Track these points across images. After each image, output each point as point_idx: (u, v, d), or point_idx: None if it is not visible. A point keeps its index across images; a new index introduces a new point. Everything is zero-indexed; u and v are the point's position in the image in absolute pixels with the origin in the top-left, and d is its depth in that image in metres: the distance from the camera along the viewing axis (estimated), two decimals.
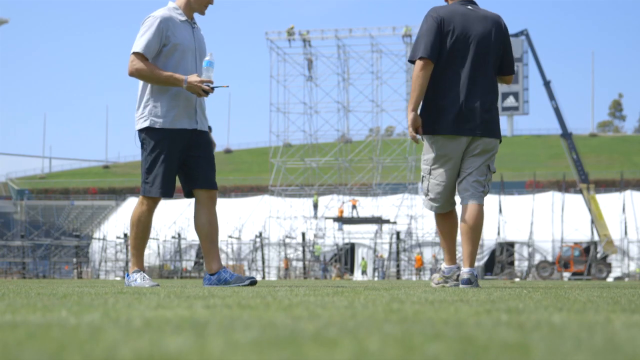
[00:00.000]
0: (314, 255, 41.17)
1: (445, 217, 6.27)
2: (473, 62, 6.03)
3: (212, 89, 6.01)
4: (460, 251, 6.21)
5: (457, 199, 6.24)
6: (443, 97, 6.02)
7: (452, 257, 6.18)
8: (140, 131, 6.05)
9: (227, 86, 6.55)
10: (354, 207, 43.76)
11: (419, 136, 6.15)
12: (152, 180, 6.02)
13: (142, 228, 6.08)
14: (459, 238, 6.18)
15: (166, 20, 6.06)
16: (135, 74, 5.94)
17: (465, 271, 5.98)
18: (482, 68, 6.07)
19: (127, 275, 6.15)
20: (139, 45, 5.96)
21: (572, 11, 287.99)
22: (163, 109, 5.99)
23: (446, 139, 6.05)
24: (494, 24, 6.12)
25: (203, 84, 5.93)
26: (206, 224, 6.13)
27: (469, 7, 6.14)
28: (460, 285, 5.97)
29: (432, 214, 6.46)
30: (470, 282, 5.94)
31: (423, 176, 6.28)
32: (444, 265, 6.23)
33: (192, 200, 6.26)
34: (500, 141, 6.22)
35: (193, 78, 5.93)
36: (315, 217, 44.48)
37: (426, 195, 6.27)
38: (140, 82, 6.06)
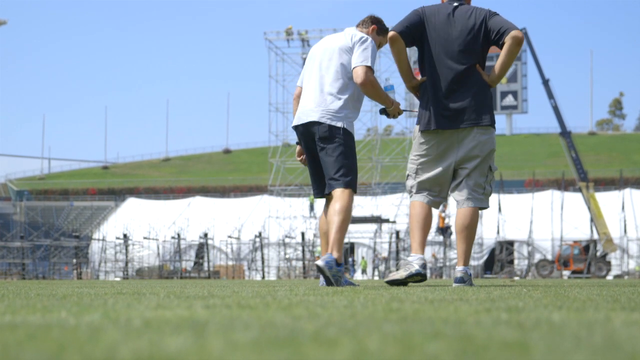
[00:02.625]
0: (317, 255, 41.26)
1: (429, 208, 6.30)
2: (452, 59, 6.16)
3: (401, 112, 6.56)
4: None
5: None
6: (427, 94, 6.24)
7: (422, 247, 6.16)
8: (336, 128, 6.28)
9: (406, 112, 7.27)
10: None
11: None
12: (354, 176, 6.28)
13: (349, 217, 6.20)
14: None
15: None
16: (368, 85, 6.20)
17: (459, 269, 6.09)
18: (461, 63, 6.16)
19: (336, 264, 5.97)
20: (370, 60, 6.25)
21: (571, 10, 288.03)
22: (354, 116, 6.40)
23: (432, 134, 6.24)
24: (473, 18, 6.19)
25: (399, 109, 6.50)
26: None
27: (455, 3, 6.27)
28: (454, 284, 6.03)
29: (433, 212, 6.48)
30: (463, 280, 6.03)
31: (408, 175, 6.44)
32: (411, 254, 6.20)
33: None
34: (494, 126, 6.26)
35: (397, 103, 6.44)
36: (312, 217, 44.48)
37: (411, 192, 6.39)
38: (342, 79, 6.32)
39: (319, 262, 5.93)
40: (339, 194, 6.18)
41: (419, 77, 6.37)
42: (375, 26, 6.61)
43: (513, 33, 6.05)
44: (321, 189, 6.46)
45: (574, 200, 43.03)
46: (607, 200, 43.31)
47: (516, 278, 33.05)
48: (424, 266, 6.01)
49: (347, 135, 6.28)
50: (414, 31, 6.19)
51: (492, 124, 6.23)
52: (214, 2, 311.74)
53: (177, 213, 48.72)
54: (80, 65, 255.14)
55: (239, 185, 79.66)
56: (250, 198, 55.02)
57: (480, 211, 6.42)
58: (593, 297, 3.58)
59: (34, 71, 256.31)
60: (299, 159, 6.72)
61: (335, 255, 5.97)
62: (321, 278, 6.28)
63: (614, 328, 1.76)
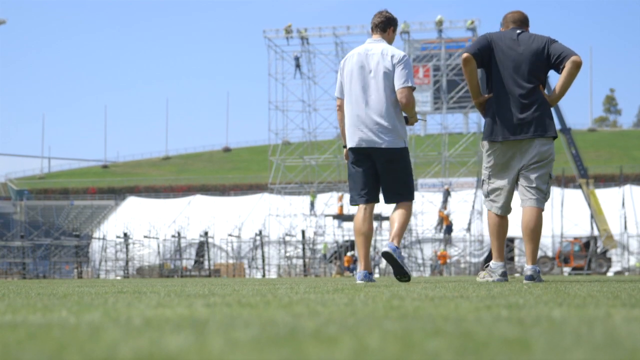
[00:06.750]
0: (322, 253, 41.34)
1: (502, 219, 6.89)
2: (519, 79, 6.69)
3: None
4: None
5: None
6: (492, 109, 6.76)
7: (500, 255, 6.86)
8: (397, 149, 6.96)
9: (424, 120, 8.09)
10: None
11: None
12: (413, 186, 7.16)
13: (409, 220, 7.21)
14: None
15: None
16: (410, 105, 6.91)
17: (528, 268, 6.55)
18: (527, 82, 6.68)
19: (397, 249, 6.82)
20: (410, 79, 6.93)
21: (570, 7, 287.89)
22: (405, 126, 7.08)
23: (497, 144, 6.76)
24: (536, 43, 6.73)
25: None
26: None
27: (518, 31, 6.83)
28: (524, 281, 6.41)
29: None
30: (533, 278, 6.48)
31: (483, 180, 7.04)
32: (492, 262, 6.92)
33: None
34: (555, 137, 6.79)
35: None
36: (313, 215, 44.48)
37: (487, 197, 6.98)
38: (393, 105, 6.91)
39: (386, 249, 6.78)
40: (407, 205, 7.07)
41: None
42: (392, 27, 7.19)
43: (574, 57, 6.64)
44: (371, 196, 7.05)
45: (574, 197, 43.04)
46: (607, 196, 43.32)
47: (516, 275, 33.07)
48: (504, 274, 6.80)
49: (406, 152, 7.02)
50: (484, 53, 6.75)
51: (553, 136, 6.74)
52: (213, 1, 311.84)
53: (178, 211, 48.74)
54: (80, 65, 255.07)
55: (239, 184, 79.64)
56: (250, 196, 55.04)
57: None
58: (593, 293, 3.58)
59: (34, 70, 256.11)
60: (346, 160, 7.23)
61: (396, 244, 6.86)
62: (358, 274, 6.89)
63: (614, 324, 1.76)
